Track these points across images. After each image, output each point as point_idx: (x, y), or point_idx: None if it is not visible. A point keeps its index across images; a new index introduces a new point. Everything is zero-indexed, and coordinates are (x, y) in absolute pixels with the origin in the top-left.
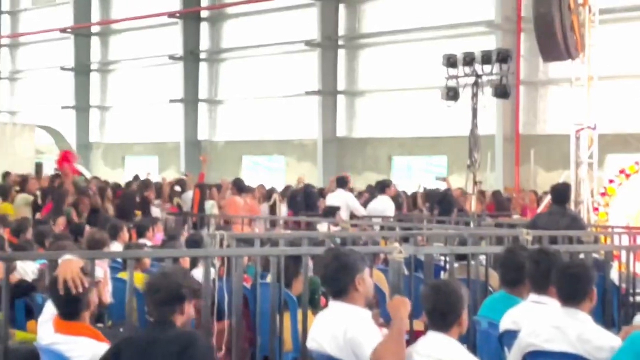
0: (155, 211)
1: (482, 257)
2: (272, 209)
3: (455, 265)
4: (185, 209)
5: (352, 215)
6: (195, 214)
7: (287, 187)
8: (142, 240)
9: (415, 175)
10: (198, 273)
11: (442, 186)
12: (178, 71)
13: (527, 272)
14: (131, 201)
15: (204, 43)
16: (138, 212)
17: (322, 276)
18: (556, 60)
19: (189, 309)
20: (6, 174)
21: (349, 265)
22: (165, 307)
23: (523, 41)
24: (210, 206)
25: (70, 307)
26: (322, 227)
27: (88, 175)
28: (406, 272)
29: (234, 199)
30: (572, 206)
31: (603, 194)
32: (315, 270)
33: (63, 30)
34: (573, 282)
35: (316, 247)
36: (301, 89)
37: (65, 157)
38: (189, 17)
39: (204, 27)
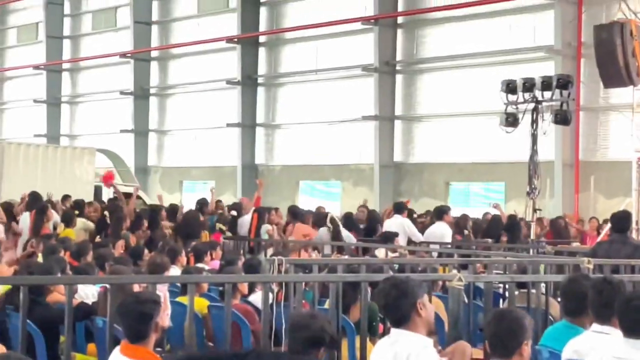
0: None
1: (542, 285)
2: (334, 235)
3: (515, 293)
4: (242, 234)
5: (410, 241)
6: (252, 238)
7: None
8: (199, 265)
9: (473, 201)
10: (256, 298)
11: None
12: (235, 96)
13: (589, 301)
14: (195, 222)
15: (262, 68)
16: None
17: (382, 305)
18: (617, 86)
19: (321, 356)
20: (65, 198)
21: (408, 291)
22: (305, 346)
23: (583, 67)
24: (265, 230)
25: (140, 328)
26: (380, 253)
27: (147, 199)
28: (465, 299)
29: (302, 226)
30: (633, 234)
31: None
32: (373, 297)
33: (123, 55)
34: (637, 314)
35: (375, 274)
36: (358, 113)
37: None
38: (247, 42)
39: (262, 52)
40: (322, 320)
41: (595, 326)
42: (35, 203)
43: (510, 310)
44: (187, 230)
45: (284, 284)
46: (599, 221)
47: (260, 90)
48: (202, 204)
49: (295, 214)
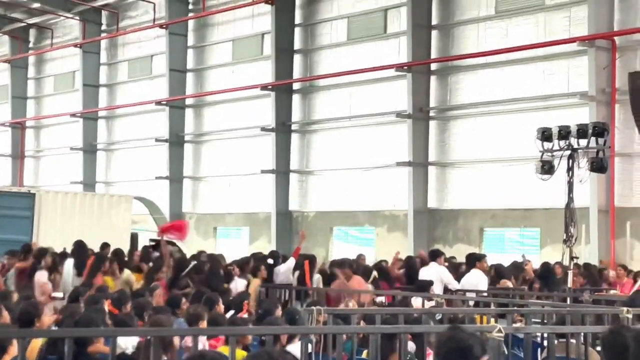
0: (240, 283)
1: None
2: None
3: (555, 342)
4: (278, 282)
5: (446, 289)
6: (309, 287)
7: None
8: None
9: (508, 247)
10: (295, 348)
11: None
12: (269, 142)
13: (631, 354)
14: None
15: (296, 114)
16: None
17: (435, 354)
18: None
19: None
20: (104, 246)
21: (465, 348)
22: None
23: (618, 112)
24: (317, 280)
25: None
26: (417, 302)
27: (183, 247)
28: (505, 350)
29: (357, 278)
30: None
31: None
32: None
33: (158, 103)
34: None
35: (414, 326)
36: (392, 160)
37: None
38: (281, 90)
39: (296, 98)
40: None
41: None
42: (80, 251)
43: None
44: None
45: (322, 334)
46: (626, 267)
47: (294, 137)
48: (243, 262)
49: (342, 265)
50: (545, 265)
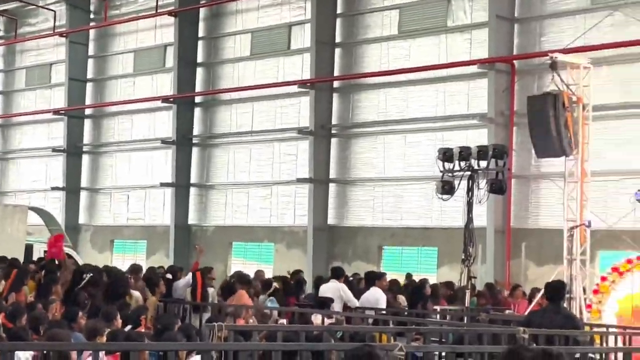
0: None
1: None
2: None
3: None
4: (176, 296)
5: (345, 306)
6: (200, 301)
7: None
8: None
9: (405, 265)
10: None
11: None
12: (170, 155)
13: None
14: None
15: (197, 128)
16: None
17: None
18: (550, 156)
19: None
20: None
21: None
22: None
23: (515, 135)
24: (212, 293)
25: None
26: (317, 319)
27: (79, 259)
28: None
29: (243, 293)
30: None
31: (596, 292)
32: None
33: (56, 112)
34: None
35: (317, 344)
36: (293, 176)
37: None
38: (183, 102)
39: (198, 112)
40: None
41: None
42: None
43: None
44: (114, 290)
45: (223, 351)
46: (518, 287)
47: (195, 150)
48: (134, 269)
49: (243, 280)
50: (420, 281)
